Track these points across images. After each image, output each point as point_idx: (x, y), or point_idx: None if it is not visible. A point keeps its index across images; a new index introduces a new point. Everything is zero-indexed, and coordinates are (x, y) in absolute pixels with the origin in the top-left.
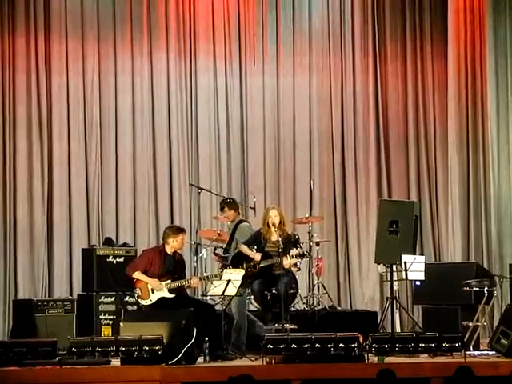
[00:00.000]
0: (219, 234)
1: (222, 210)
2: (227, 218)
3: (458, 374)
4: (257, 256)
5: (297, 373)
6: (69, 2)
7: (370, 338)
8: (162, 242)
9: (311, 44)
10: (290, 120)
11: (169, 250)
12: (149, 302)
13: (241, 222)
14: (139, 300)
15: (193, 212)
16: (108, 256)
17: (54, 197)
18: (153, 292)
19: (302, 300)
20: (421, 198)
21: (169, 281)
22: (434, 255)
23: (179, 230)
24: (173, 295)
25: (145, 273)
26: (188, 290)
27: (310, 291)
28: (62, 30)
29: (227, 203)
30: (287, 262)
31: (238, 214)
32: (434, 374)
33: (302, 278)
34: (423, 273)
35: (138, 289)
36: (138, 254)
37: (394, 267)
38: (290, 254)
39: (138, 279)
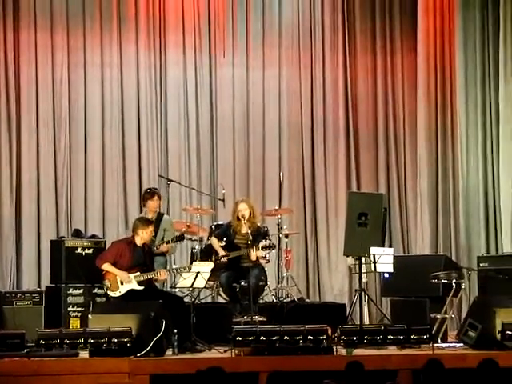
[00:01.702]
0: (188, 226)
1: (149, 199)
2: (155, 208)
3: (428, 367)
4: (222, 253)
5: (265, 365)
6: None
7: (338, 331)
8: (131, 234)
9: (281, 37)
10: (260, 112)
11: (138, 241)
12: (118, 294)
13: (162, 213)
14: (108, 292)
15: (162, 204)
16: (77, 248)
17: (23, 189)
18: (122, 284)
19: (270, 292)
20: (389, 190)
21: (138, 273)
22: (403, 248)
23: (149, 222)
24: (142, 287)
25: (114, 264)
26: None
27: (278, 283)
28: (30, 22)
29: (158, 193)
30: (254, 253)
31: None
32: (402, 366)
33: (270, 271)
34: (392, 265)
35: (107, 280)
36: (107, 246)
37: (363, 259)
38: (258, 245)
39: (107, 271)
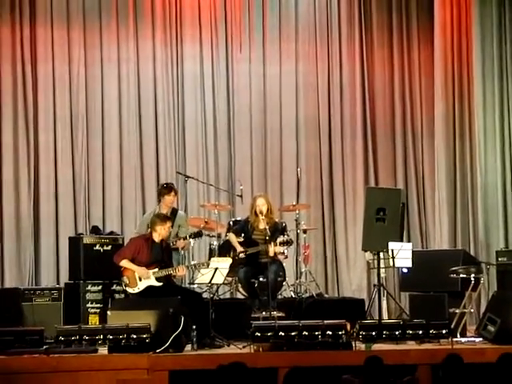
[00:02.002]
0: (207, 222)
1: (166, 194)
2: (171, 203)
3: (447, 362)
4: (240, 249)
5: (284, 360)
6: None
7: (357, 326)
8: (148, 231)
9: (297, 31)
10: (277, 108)
11: (156, 237)
12: (136, 290)
13: (176, 209)
14: (127, 288)
15: (180, 200)
16: (95, 244)
17: (41, 186)
18: (140, 280)
19: (289, 288)
20: (407, 185)
21: (156, 269)
22: (421, 243)
23: (166, 218)
24: (160, 283)
25: (132, 261)
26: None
27: (297, 279)
28: (47, 19)
29: (175, 189)
30: (272, 249)
31: None
32: (421, 362)
33: (289, 266)
34: (410, 260)
35: (125, 277)
36: (125, 243)
37: (382, 255)
38: (276, 241)
39: (125, 267)
